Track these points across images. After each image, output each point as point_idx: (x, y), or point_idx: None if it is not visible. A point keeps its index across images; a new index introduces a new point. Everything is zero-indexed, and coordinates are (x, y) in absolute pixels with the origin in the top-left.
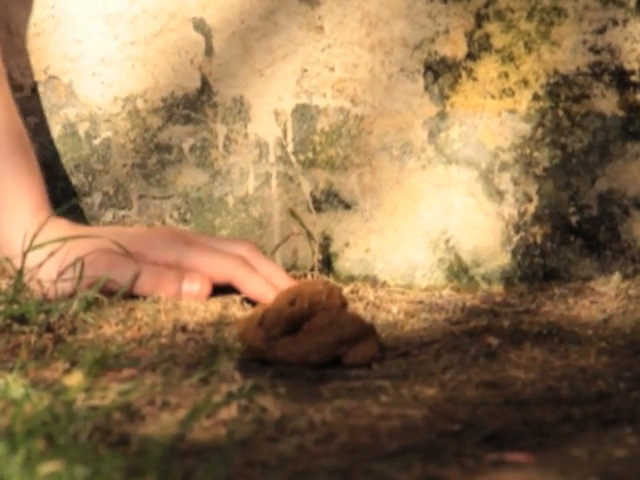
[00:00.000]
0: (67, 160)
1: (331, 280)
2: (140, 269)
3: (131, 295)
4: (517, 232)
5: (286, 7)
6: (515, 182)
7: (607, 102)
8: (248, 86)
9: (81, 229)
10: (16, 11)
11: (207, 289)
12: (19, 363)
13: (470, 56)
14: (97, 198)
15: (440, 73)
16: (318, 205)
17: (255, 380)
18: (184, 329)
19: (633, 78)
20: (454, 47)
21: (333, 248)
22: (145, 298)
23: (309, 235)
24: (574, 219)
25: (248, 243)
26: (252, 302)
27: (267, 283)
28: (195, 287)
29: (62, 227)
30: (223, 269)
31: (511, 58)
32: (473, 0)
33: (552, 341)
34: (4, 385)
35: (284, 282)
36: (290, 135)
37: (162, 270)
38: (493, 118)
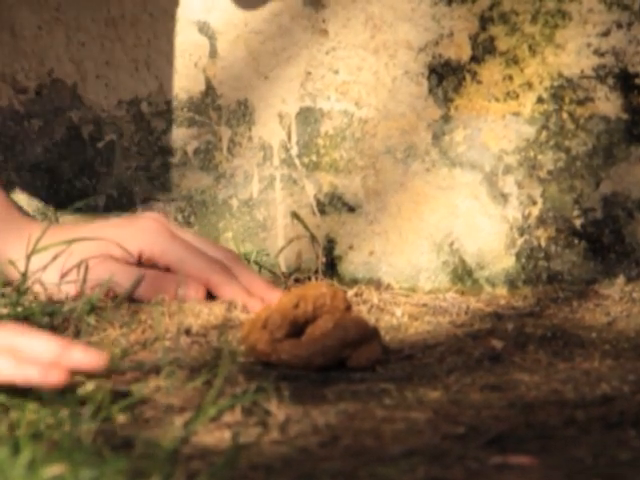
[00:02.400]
0: (71, 163)
1: (335, 283)
2: (142, 275)
3: (132, 300)
4: (521, 235)
5: (290, 10)
6: (519, 185)
7: (611, 105)
8: (252, 89)
9: (66, 229)
10: (20, 13)
11: (201, 297)
12: None
13: (474, 59)
14: (101, 201)
15: (444, 76)
16: (322, 208)
17: (259, 383)
18: (188, 332)
19: (637, 81)
20: (458, 50)
21: (337, 251)
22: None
23: (313, 238)
24: (578, 222)
25: (229, 251)
26: None
27: (243, 290)
28: (191, 294)
29: (56, 231)
30: (200, 270)
31: (515, 61)
32: (477, 3)
33: (556, 344)
34: (8, 388)
35: (264, 290)
36: (294, 138)
37: (162, 275)
38: (497, 121)
